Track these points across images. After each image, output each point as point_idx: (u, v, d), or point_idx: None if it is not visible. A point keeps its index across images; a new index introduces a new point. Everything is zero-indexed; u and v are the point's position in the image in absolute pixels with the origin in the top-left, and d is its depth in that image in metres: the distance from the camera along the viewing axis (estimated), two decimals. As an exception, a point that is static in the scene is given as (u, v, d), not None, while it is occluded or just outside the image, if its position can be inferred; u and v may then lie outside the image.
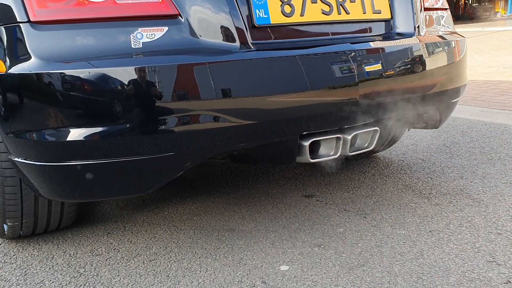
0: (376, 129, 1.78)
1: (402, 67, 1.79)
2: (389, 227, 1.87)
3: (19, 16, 1.40)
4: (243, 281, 1.53)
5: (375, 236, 1.80)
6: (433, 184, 2.31)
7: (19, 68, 1.41)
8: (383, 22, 1.86)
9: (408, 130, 2.53)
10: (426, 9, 2.02)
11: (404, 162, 2.65)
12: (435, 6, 2.10)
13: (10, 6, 1.42)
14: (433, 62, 1.90)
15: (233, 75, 1.46)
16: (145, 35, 1.41)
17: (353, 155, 1.79)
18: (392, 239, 1.77)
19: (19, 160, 1.53)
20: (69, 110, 1.41)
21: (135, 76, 1.40)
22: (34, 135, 1.45)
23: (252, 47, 1.51)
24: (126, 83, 1.40)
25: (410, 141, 3.06)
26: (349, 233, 1.83)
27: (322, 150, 1.70)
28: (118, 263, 1.67)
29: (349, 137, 1.69)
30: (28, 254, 1.75)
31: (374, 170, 2.53)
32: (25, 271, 1.64)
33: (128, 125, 1.42)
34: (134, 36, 1.40)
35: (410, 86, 1.81)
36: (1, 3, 1.45)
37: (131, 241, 1.83)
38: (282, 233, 1.85)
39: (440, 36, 2.01)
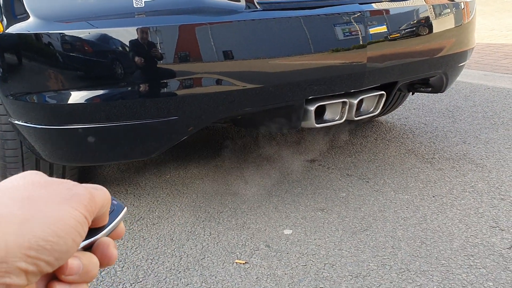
0: (382, 93, 1.75)
1: (411, 30, 1.74)
2: (392, 192, 1.87)
3: (15, -28, 1.34)
4: (247, 244, 1.54)
5: (378, 200, 1.80)
6: (435, 148, 2.29)
7: (17, 28, 1.36)
8: (392, -18, 1.80)
9: (412, 94, 2.49)
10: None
11: (407, 127, 2.63)
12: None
13: (6, -38, 1.36)
14: (442, 24, 1.85)
15: (238, 36, 1.41)
16: (147, -6, 1.36)
17: (358, 120, 1.76)
18: (395, 203, 1.77)
19: (19, 123, 1.50)
20: (69, 72, 1.37)
21: (137, 37, 1.35)
22: (34, 98, 1.41)
23: (258, 6, 1.46)
24: (128, 44, 1.36)
25: (412, 105, 3.03)
26: (352, 198, 1.83)
27: (328, 114, 1.68)
28: (121, 226, 1.67)
29: (355, 102, 1.66)
30: (31, 217, 1.75)
31: (376, 135, 2.51)
32: (28, 234, 1.63)
33: (130, 88, 1.39)
34: (136, -5, 1.34)
35: (418, 48, 1.77)
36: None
37: (133, 205, 1.82)
38: (285, 197, 1.85)
39: (449, -3, 1.95)
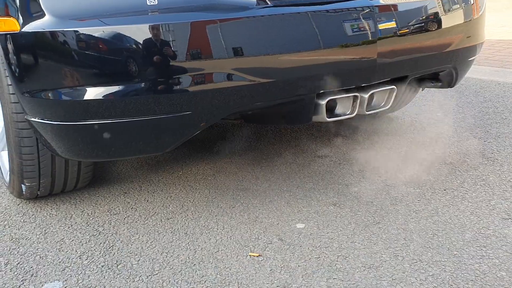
0: (393, 88, 1.76)
1: (420, 25, 1.75)
2: (403, 186, 1.87)
3: (31, -28, 1.37)
4: (260, 238, 1.55)
5: (389, 194, 1.81)
6: (446, 143, 2.30)
7: (33, 26, 1.39)
8: (401, -23, 1.81)
9: (422, 90, 2.50)
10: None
11: (417, 122, 2.64)
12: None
13: (22, -38, 1.39)
14: (451, 19, 1.86)
15: (250, 32, 1.43)
16: (160, -9, 1.38)
17: (369, 114, 1.77)
18: (406, 197, 1.78)
19: (36, 120, 1.53)
20: (84, 69, 1.40)
21: (150, 34, 1.38)
22: (50, 95, 1.44)
23: (269, 2, 1.48)
24: (142, 41, 1.38)
25: (422, 102, 3.03)
26: (364, 192, 1.84)
27: (339, 109, 1.69)
28: (136, 221, 1.70)
29: (366, 96, 1.67)
30: (47, 213, 1.78)
31: (388, 130, 2.52)
32: (44, 230, 1.67)
33: (143, 84, 1.41)
34: (149, -8, 1.37)
35: (428, 44, 1.78)
36: (12, -41, 1.42)
37: (147, 200, 1.85)
38: (296, 192, 1.87)
39: (459, -8, 1.95)
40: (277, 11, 1.47)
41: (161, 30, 1.38)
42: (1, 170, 1.97)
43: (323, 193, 1.85)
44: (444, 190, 1.82)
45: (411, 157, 2.14)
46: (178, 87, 1.43)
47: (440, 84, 2.11)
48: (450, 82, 2.08)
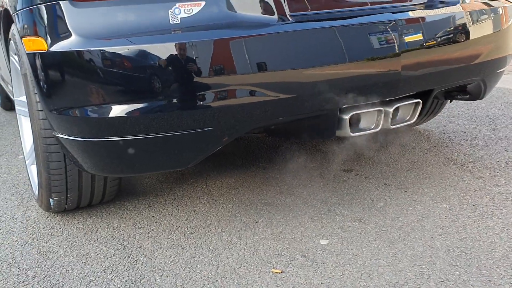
0: (418, 101, 1.73)
1: (446, 37, 1.72)
2: (430, 201, 1.84)
3: (59, -7, 1.41)
4: (283, 254, 1.54)
5: (416, 210, 1.77)
6: (476, 157, 2.24)
7: (60, 46, 1.43)
8: (426, -10, 1.79)
9: (450, 102, 2.45)
10: (471, -26, 1.93)
11: (446, 135, 2.58)
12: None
13: (50, -16, 1.43)
14: (478, 31, 1.82)
15: (272, 48, 1.44)
16: (183, 10, 1.40)
17: (394, 128, 1.75)
18: (433, 213, 1.74)
19: (63, 136, 1.56)
20: (110, 87, 1.43)
21: (174, 52, 1.40)
22: (77, 112, 1.47)
23: (290, 19, 1.48)
24: (165, 59, 1.40)
25: (451, 113, 2.97)
26: (390, 208, 1.81)
27: (363, 123, 1.67)
28: (160, 235, 1.71)
29: (391, 110, 1.65)
30: (74, 227, 1.81)
31: (415, 144, 2.48)
32: (71, 243, 1.70)
33: (167, 101, 1.43)
34: (172, 12, 1.39)
35: (454, 56, 1.75)
36: (41, -19, 1.46)
37: (171, 214, 1.86)
38: (321, 207, 1.85)
39: (486, 3, 1.92)
40: (298, 27, 1.47)
41: (184, 48, 1.39)
42: (31, 184, 2.02)
43: (348, 208, 1.83)
44: (473, 205, 1.78)
45: (438, 171, 2.10)
46: (201, 103, 1.44)
47: (467, 96, 2.07)
48: (478, 94, 2.04)
